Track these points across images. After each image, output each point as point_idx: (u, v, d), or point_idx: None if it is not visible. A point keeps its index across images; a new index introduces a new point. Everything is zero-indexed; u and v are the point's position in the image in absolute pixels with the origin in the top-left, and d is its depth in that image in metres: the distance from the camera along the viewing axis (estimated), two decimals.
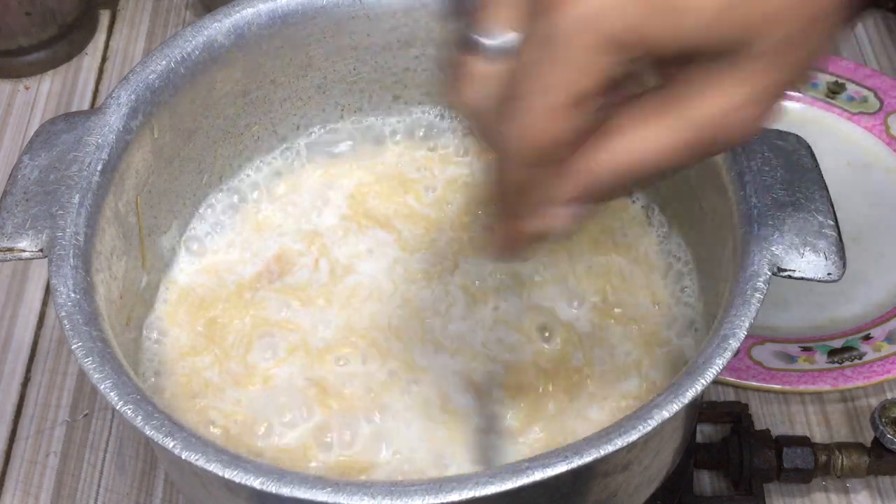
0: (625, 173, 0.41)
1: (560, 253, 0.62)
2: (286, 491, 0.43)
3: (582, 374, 0.58)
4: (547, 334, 0.59)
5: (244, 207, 0.66)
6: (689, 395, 0.46)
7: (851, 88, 0.92)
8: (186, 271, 0.63)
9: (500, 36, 0.41)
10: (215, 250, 0.64)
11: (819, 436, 0.74)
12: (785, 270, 0.50)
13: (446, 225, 0.64)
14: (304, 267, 0.63)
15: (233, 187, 0.66)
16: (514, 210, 0.43)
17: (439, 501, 0.43)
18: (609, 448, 0.44)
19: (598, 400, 0.57)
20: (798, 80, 0.42)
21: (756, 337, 0.77)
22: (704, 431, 0.74)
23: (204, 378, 0.58)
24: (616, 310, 0.60)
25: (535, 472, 0.44)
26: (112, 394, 0.46)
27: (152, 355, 0.59)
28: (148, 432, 0.45)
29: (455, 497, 0.43)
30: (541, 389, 0.57)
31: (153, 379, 0.58)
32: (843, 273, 0.51)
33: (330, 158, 0.68)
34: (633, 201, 0.65)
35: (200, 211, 0.65)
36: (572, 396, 0.57)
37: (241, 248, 0.64)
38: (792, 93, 0.92)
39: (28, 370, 0.78)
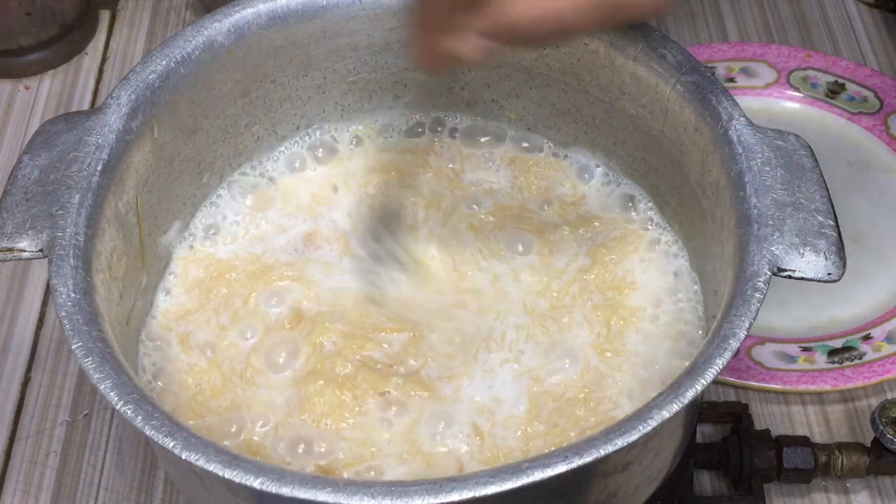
0: (530, 25, 0.49)
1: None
2: (286, 491, 0.43)
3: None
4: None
5: (243, 207, 0.66)
6: (689, 395, 0.46)
7: (851, 88, 0.92)
8: (186, 269, 0.63)
9: None
10: (216, 249, 0.64)
11: (819, 436, 0.74)
12: (785, 270, 0.50)
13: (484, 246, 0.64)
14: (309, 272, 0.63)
15: (233, 186, 0.66)
16: (435, 28, 0.52)
17: (439, 501, 0.43)
18: (609, 448, 0.44)
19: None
20: None
21: (756, 337, 0.77)
22: (704, 431, 0.74)
23: (204, 376, 0.58)
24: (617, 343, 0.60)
25: (535, 472, 0.44)
26: (112, 394, 0.46)
27: (152, 355, 0.59)
28: (148, 432, 0.45)
29: (455, 497, 0.43)
30: None
31: (152, 379, 0.58)
32: (843, 273, 0.51)
33: (332, 159, 0.68)
34: (636, 214, 0.65)
35: (201, 211, 0.65)
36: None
37: (241, 247, 0.64)
38: (792, 93, 0.92)
39: (28, 370, 0.78)
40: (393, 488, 0.43)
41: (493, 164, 0.67)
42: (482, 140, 0.68)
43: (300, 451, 0.55)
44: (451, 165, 0.67)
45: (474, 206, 0.65)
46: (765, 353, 0.76)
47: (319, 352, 0.59)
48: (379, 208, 0.65)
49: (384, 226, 0.64)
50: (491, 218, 0.65)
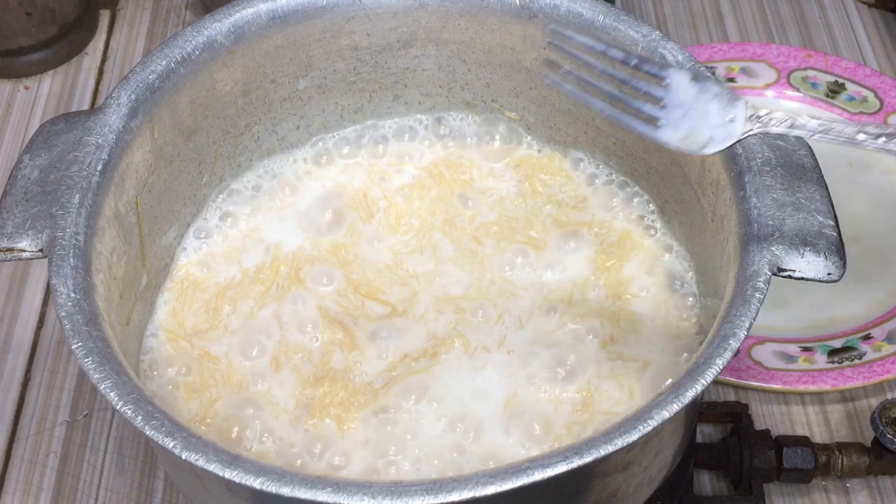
0: None
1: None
2: (286, 491, 0.43)
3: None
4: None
5: (244, 208, 0.65)
6: (689, 395, 0.46)
7: (851, 88, 0.92)
8: (187, 271, 0.63)
9: None
10: (216, 250, 0.64)
11: (819, 436, 0.74)
12: (785, 270, 0.50)
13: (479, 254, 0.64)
14: (315, 274, 0.63)
15: (233, 187, 0.66)
16: None
17: (439, 501, 0.43)
18: (609, 448, 0.44)
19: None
20: None
21: (756, 337, 0.77)
22: (704, 431, 0.74)
23: (204, 376, 0.58)
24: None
25: (535, 472, 0.44)
26: (112, 394, 0.46)
27: (152, 355, 0.59)
28: (148, 432, 0.45)
29: (455, 497, 0.43)
30: None
31: (153, 379, 0.58)
32: (843, 273, 0.51)
33: (332, 159, 0.68)
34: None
35: (201, 211, 0.65)
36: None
37: (242, 248, 0.64)
38: (792, 93, 0.92)
39: (28, 370, 0.78)
40: (393, 488, 0.43)
41: (499, 169, 0.67)
42: (486, 142, 0.68)
43: (300, 460, 0.55)
44: (461, 176, 0.67)
45: (481, 217, 0.65)
46: (765, 353, 0.76)
47: (324, 354, 0.59)
48: None
49: None
50: (496, 228, 0.65)
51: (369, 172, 0.67)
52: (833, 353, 0.76)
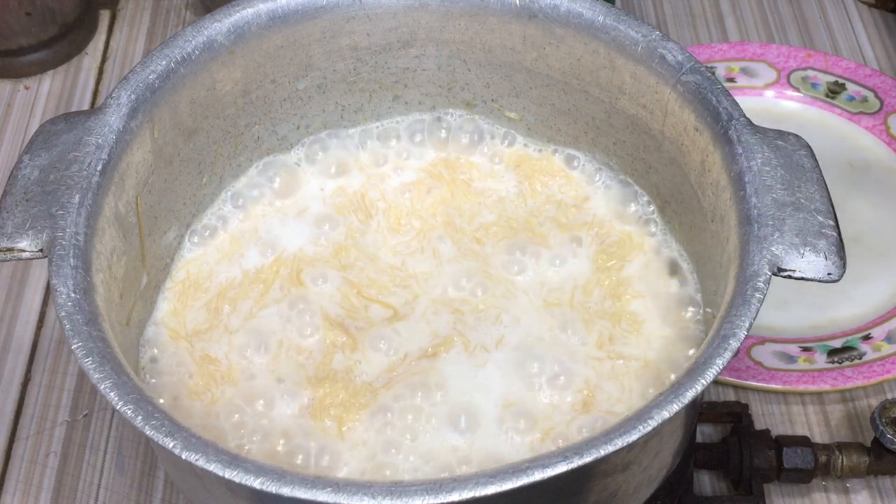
0: None
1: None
2: (286, 491, 0.43)
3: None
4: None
5: (244, 208, 0.65)
6: (689, 395, 0.46)
7: (851, 88, 0.92)
8: (187, 271, 0.63)
9: None
10: (216, 250, 0.64)
11: (819, 436, 0.74)
12: (785, 270, 0.50)
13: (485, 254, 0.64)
14: (315, 274, 0.63)
15: (233, 187, 0.66)
16: None
17: (439, 501, 0.43)
18: (609, 448, 0.44)
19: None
20: None
21: (756, 337, 0.77)
22: (704, 431, 0.74)
23: (205, 376, 0.58)
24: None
25: (535, 472, 0.44)
26: (112, 394, 0.46)
27: (152, 355, 0.59)
28: (148, 432, 0.45)
29: (455, 497, 0.43)
30: None
31: (153, 379, 0.58)
32: (843, 273, 0.51)
33: (332, 159, 0.68)
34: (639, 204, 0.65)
35: (201, 211, 0.65)
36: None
37: (242, 248, 0.64)
38: (792, 93, 0.92)
39: (28, 370, 0.78)
40: (393, 488, 0.43)
41: (499, 169, 0.67)
42: (486, 142, 0.68)
43: (300, 460, 0.55)
44: (461, 176, 0.67)
45: (481, 217, 0.65)
46: (765, 353, 0.76)
47: (325, 355, 0.59)
48: None
49: None
50: (495, 228, 0.65)
51: (369, 173, 0.67)
52: (833, 353, 0.76)
